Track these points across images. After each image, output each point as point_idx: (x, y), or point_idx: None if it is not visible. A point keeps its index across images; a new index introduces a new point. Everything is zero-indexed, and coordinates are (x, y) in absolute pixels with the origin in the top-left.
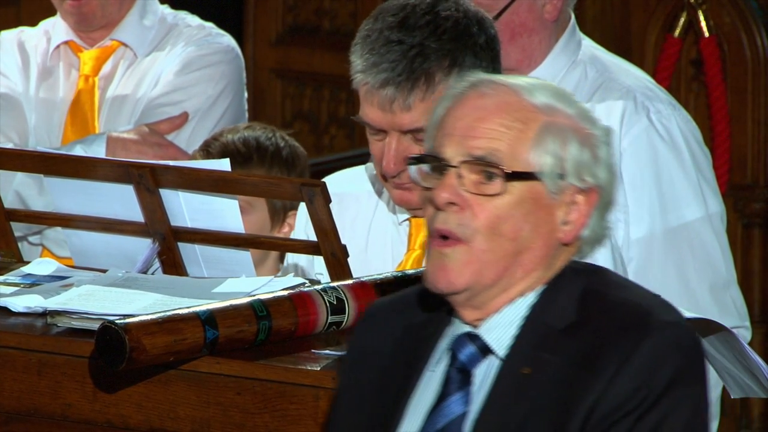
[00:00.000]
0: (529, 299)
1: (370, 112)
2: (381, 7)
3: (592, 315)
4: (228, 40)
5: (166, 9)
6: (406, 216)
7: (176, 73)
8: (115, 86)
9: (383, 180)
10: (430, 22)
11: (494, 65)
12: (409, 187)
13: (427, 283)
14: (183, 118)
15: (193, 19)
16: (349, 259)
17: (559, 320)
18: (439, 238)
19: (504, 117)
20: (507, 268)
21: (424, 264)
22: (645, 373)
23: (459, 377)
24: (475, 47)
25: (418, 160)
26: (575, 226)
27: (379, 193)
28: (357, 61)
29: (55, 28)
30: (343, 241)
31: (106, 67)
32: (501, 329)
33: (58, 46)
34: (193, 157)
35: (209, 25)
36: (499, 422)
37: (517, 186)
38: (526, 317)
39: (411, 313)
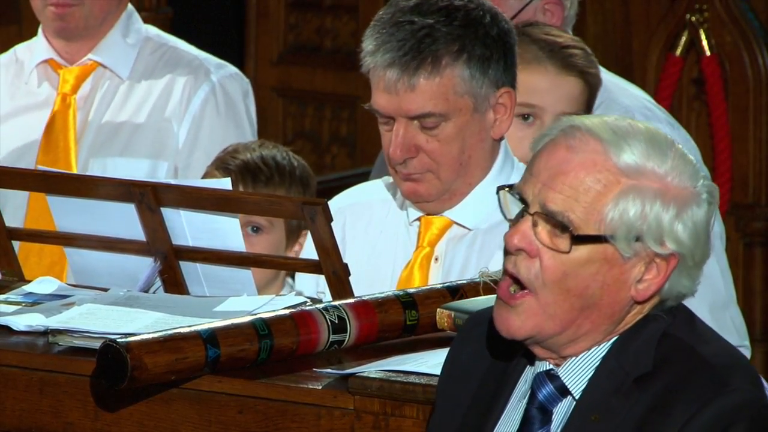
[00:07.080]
0: (605, 347)
1: (378, 98)
2: None
3: (667, 368)
4: (231, 70)
5: (151, 29)
6: (417, 215)
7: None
8: (99, 110)
9: (393, 171)
10: (443, 8)
11: (506, 58)
12: (417, 178)
13: (494, 325)
14: None
15: (177, 42)
16: (359, 264)
17: (635, 368)
18: (510, 280)
19: (585, 177)
20: (573, 321)
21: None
22: None
23: (540, 416)
24: (486, 38)
25: (509, 188)
26: (650, 285)
27: (393, 198)
28: (367, 42)
29: (34, 48)
30: (354, 248)
31: (85, 88)
32: (579, 372)
33: (38, 65)
34: (209, 174)
35: (204, 55)
36: None
37: (589, 246)
38: (602, 362)
39: None
